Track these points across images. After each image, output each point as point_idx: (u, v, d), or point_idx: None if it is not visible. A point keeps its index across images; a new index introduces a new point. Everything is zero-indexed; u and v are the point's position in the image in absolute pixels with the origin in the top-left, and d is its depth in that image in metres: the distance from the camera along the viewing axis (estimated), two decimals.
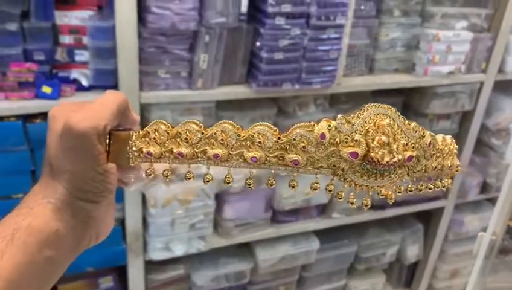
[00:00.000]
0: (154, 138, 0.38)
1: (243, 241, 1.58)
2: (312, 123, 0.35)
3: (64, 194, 0.37)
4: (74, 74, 1.23)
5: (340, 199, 0.38)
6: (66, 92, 1.19)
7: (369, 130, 0.35)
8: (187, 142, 0.37)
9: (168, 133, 0.37)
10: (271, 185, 0.38)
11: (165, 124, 0.38)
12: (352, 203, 0.38)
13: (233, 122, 0.37)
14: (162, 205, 1.38)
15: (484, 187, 1.98)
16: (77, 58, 1.22)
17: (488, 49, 1.64)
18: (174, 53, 1.23)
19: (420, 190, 0.42)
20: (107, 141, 0.38)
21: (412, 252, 2.00)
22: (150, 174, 0.39)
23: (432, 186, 0.43)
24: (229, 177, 0.38)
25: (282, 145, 0.36)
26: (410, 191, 0.41)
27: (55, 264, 0.37)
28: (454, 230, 2.02)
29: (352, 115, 0.36)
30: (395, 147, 0.36)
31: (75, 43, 1.20)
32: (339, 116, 0.35)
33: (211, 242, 1.52)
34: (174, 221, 1.42)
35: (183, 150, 0.37)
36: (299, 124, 0.36)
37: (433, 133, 0.39)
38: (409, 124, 0.37)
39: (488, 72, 1.67)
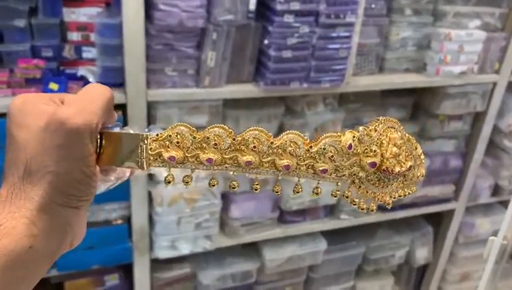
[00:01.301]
0: (178, 142, 0.36)
1: (249, 241, 1.57)
2: (339, 134, 0.38)
3: (42, 199, 0.33)
4: (81, 70, 1.23)
5: (354, 205, 0.40)
6: (73, 89, 1.18)
7: (383, 142, 0.38)
8: (215, 148, 0.36)
9: (194, 137, 0.36)
10: (277, 192, 0.39)
11: (187, 127, 0.36)
12: (362, 209, 0.41)
13: (264, 130, 0.37)
14: (168, 203, 1.38)
15: (496, 190, 1.94)
16: (85, 55, 1.22)
17: (502, 49, 1.61)
18: (182, 50, 1.22)
19: (403, 196, 0.44)
20: (99, 141, 0.36)
21: (421, 254, 1.97)
22: (169, 181, 0.37)
23: (408, 192, 0.45)
24: (257, 184, 0.38)
25: (312, 154, 0.37)
26: (400, 196, 0.44)
27: (28, 280, 0.34)
28: (464, 233, 1.99)
29: (370, 128, 0.38)
30: (401, 158, 0.39)
31: (82, 40, 1.20)
32: (361, 128, 0.38)
33: (217, 241, 1.51)
34: (180, 220, 1.42)
35: (212, 155, 0.36)
36: (326, 134, 0.37)
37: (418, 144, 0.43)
38: (408, 137, 0.41)
39: (501, 73, 1.64)
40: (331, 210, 1.69)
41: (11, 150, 0.34)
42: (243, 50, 1.29)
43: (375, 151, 0.38)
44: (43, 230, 0.33)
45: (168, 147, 0.36)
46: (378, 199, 0.41)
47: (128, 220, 1.38)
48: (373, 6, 1.40)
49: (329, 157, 0.37)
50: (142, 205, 1.35)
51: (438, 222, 1.97)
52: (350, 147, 0.37)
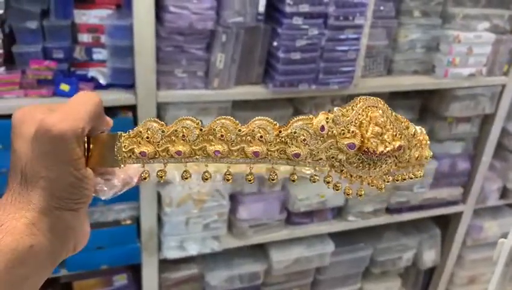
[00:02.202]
0: (147, 137, 0.36)
1: (257, 242, 1.58)
2: (310, 116, 0.36)
3: (40, 204, 0.34)
4: (92, 72, 1.24)
5: (337, 190, 0.39)
6: (84, 90, 1.19)
7: (363, 121, 0.36)
8: (184, 140, 0.36)
9: (162, 131, 0.36)
10: (273, 180, 0.38)
11: (157, 122, 0.37)
12: (348, 194, 0.39)
13: (231, 118, 0.36)
14: (177, 204, 1.39)
15: (504, 192, 1.94)
16: (95, 56, 1.23)
17: (511, 51, 1.60)
18: (191, 52, 1.23)
19: (401, 180, 0.43)
20: (86, 145, 0.37)
21: (429, 257, 1.97)
22: (145, 178, 0.38)
23: (412, 176, 0.44)
24: (228, 174, 0.37)
25: (283, 139, 0.36)
26: (404, 179, 0.43)
27: (31, 279, 0.34)
28: (472, 236, 1.98)
29: (346, 108, 0.37)
30: (386, 137, 0.37)
31: (93, 41, 1.21)
32: (335, 108, 0.36)
33: (225, 242, 1.52)
34: (189, 220, 1.42)
35: (181, 148, 0.36)
36: (297, 118, 0.36)
37: (412, 124, 0.41)
38: (396, 116, 0.38)
39: (510, 75, 1.63)
40: (339, 212, 1.69)
41: (12, 158, 0.36)
42: (252, 52, 1.30)
43: (353, 132, 0.36)
44: (43, 231, 0.34)
45: (140, 143, 0.37)
46: (368, 183, 0.39)
47: (137, 220, 1.39)
48: (382, 8, 1.40)
49: (301, 141, 0.36)
50: (151, 205, 1.36)
51: (446, 224, 1.96)
52: (323, 128, 0.36)
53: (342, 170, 0.38)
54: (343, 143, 0.36)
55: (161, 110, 1.27)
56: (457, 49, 1.50)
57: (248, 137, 0.36)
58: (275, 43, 1.28)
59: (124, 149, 0.37)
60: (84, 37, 1.21)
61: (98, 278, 1.47)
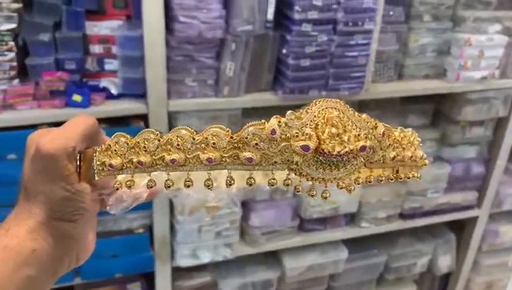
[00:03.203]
0: (115, 150, 0.39)
1: (269, 249, 1.57)
2: (263, 121, 0.37)
3: (40, 215, 0.38)
4: (104, 82, 1.25)
5: (298, 191, 0.39)
6: (95, 101, 1.21)
7: (319, 123, 0.37)
8: (145, 151, 0.38)
9: (127, 144, 0.38)
10: (250, 185, 0.38)
11: (124, 136, 0.39)
12: (312, 196, 0.39)
13: (188, 127, 0.38)
14: (189, 212, 1.39)
15: None
16: (107, 67, 1.24)
17: None
18: (201, 61, 1.24)
19: (393, 178, 0.43)
20: (78, 161, 0.39)
21: (444, 262, 1.94)
22: (117, 188, 0.40)
23: (402, 176, 0.44)
24: (188, 181, 0.38)
25: (236, 144, 0.37)
26: (381, 180, 0.42)
27: (35, 283, 0.38)
28: (488, 241, 1.95)
29: (301, 111, 0.37)
30: (346, 138, 0.37)
31: (104, 52, 1.23)
32: (288, 112, 0.37)
33: (238, 250, 1.51)
34: (201, 228, 1.43)
35: (142, 158, 0.38)
36: (250, 123, 0.37)
37: (387, 125, 0.40)
38: (360, 116, 0.38)
39: None
40: (352, 218, 1.68)
41: (21, 175, 0.40)
42: (262, 59, 1.30)
43: (308, 134, 0.36)
44: (44, 238, 0.38)
45: (110, 156, 0.39)
46: (337, 185, 0.39)
47: (149, 228, 1.40)
48: (391, 13, 1.40)
49: (253, 146, 0.36)
50: (164, 213, 1.36)
51: (461, 229, 1.93)
52: (273, 132, 0.36)
53: (301, 173, 0.38)
54: (297, 145, 0.36)
55: (172, 119, 1.28)
56: (469, 52, 1.49)
57: (202, 145, 0.37)
58: (284, 50, 1.28)
59: (98, 162, 0.39)
60: (96, 48, 1.22)
61: (112, 287, 1.48)
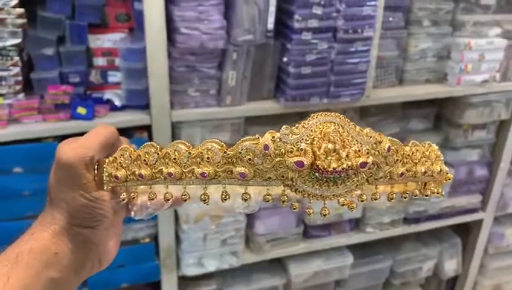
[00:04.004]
0: (120, 163, 0.40)
1: (274, 256, 1.58)
2: (257, 136, 0.36)
3: (62, 221, 0.40)
4: (108, 94, 1.27)
5: (294, 209, 0.38)
6: (100, 113, 1.22)
7: (315, 138, 0.36)
8: (146, 164, 0.39)
9: (131, 156, 0.40)
10: (245, 200, 0.38)
11: (128, 149, 0.40)
12: (309, 214, 0.39)
13: (185, 142, 0.38)
14: (194, 220, 1.40)
15: None
16: (110, 79, 1.26)
17: None
18: (203, 71, 1.25)
19: (405, 197, 0.41)
20: (96, 170, 0.41)
21: (450, 266, 1.94)
22: (123, 199, 0.41)
23: (417, 193, 0.42)
24: (185, 195, 0.39)
25: (230, 159, 0.36)
26: (391, 198, 0.40)
27: (58, 285, 0.39)
28: (494, 243, 1.95)
29: (297, 125, 0.36)
30: (344, 154, 0.35)
31: (108, 64, 1.25)
32: (283, 127, 0.36)
33: (243, 258, 1.52)
34: (206, 236, 1.43)
35: (143, 171, 0.39)
36: (245, 138, 0.36)
37: (395, 139, 0.38)
38: (361, 130, 0.37)
39: None
40: (357, 224, 1.68)
41: (48, 183, 0.42)
42: (263, 68, 1.31)
43: (302, 149, 0.35)
44: (65, 242, 0.40)
45: (117, 168, 0.40)
46: (338, 202, 0.38)
47: (155, 238, 1.41)
48: (390, 19, 1.41)
49: (247, 161, 0.36)
50: (169, 223, 1.37)
51: (466, 232, 1.93)
52: (266, 147, 0.35)
53: (296, 189, 0.37)
54: (291, 161, 0.35)
55: (175, 129, 1.29)
56: (469, 56, 1.49)
57: (198, 159, 0.37)
58: (285, 59, 1.29)
59: (106, 173, 0.41)
60: (99, 61, 1.24)
61: None
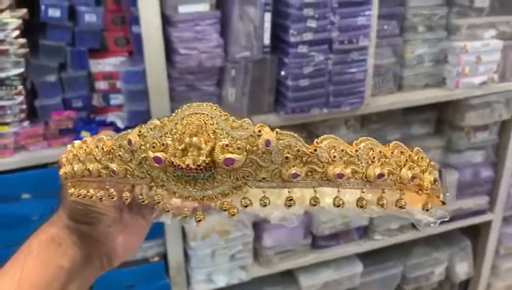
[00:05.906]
0: (79, 157, 0.41)
1: (284, 269, 1.58)
2: (129, 131, 0.34)
3: (64, 217, 0.45)
4: (110, 117, 1.29)
5: (168, 211, 0.36)
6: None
7: (178, 132, 0.32)
8: (95, 158, 0.38)
9: (85, 151, 0.40)
10: (126, 199, 0.37)
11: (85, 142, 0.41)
12: (185, 217, 0.37)
13: (112, 133, 0.38)
14: (202, 237, 1.41)
15: None
16: (112, 102, 1.28)
17: None
18: (203, 89, 1.27)
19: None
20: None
21: (462, 269, 1.92)
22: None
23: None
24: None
25: (109, 156, 0.35)
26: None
27: (68, 275, 0.43)
28: (505, 244, 1.94)
29: (166, 118, 0.33)
30: (207, 149, 0.31)
31: (109, 88, 1.27)
32: (151, 120, 0.33)
33: (252, 271, 1.52)
34: (215, 252, 1.44)
35: (91, 166, 0.38)
36: (125, 132, 0.35)
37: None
38: (236, 122, 0.32)
39: None
40: (365, 231, 1.68)
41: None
42: (262, 83, 1.33)
43: (164, 144, 0.32)
44: (69, 236, 0.44)
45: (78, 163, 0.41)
46: (218, 205, 0.33)
47: (164, 256, 1.42)
48: (385, 27, 1.43)
49: (118, 156, 0.34)
50: (177, 240, 1.38)
51: (476, 234, 1.92)
52: (130, 142, 0.33)
53: (168, 189, 0.33)
54: (150, 157, 0.32)
55: None
56: (466, 59, 1.50)
57: (109, 155, 0.36)
58: (283, 72, 1.31)
59: (61, 171, 0.44)
60: (101, 85, 1.27)
61: None
